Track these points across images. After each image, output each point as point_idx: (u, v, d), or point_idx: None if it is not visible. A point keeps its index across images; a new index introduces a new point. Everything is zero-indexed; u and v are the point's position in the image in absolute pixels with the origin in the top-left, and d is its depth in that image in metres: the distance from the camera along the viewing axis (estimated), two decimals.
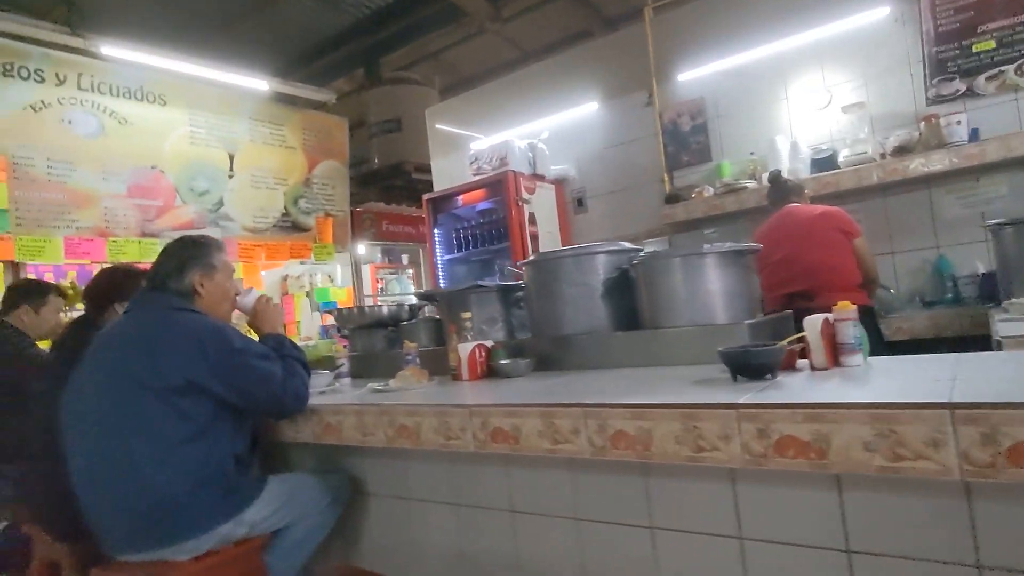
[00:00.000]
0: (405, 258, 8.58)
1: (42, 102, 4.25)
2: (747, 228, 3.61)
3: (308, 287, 7.61)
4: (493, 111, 5.07)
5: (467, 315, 2.16)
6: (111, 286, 2.21)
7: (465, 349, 2.07)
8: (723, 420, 1.09)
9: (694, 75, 3.95)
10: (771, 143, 3.54)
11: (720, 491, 1.32)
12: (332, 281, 7.86)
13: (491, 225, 4.67)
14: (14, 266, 4.04)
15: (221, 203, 5.28)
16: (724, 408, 1.10)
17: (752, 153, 3.71)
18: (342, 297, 7.41)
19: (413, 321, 2.78)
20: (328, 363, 2.52)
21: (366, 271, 7.73)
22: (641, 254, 1.97)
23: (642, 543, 1.44)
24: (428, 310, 3.23)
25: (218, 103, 5.26)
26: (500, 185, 4.39)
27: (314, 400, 1.98)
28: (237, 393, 1.75)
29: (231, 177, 5.37)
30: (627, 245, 2.12)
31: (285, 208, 5.82)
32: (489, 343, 2.16)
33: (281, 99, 5.88)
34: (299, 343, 5.07)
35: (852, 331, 1.36)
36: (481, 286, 2.29)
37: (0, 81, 4.06)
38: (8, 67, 4.11)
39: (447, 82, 8.30)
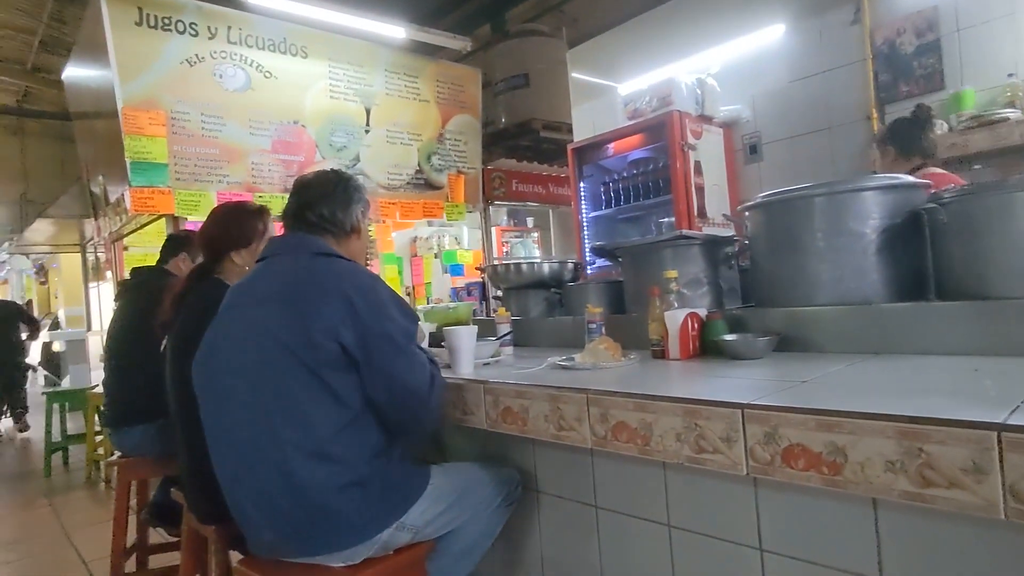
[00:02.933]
0: (530, 221, 8.21)
1: (196, 56, 4.21)
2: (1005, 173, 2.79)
3: (437, 249, 7.45)
4: (643, 49, 4.42)
5: (672, 274, 1.66)
6: (228, 229, 1.93)
7: (675, 319, 1.57)
8: None
9: None
10: None
11: None
12: (459, 243, 7.66)
13: (646, 176, 4.10)
14: (174, 220, 4.08)
15: (358, 159, 5.11)
16: None
17: (1011, 75, 2.84)
18: (469, 260, 7.17)
19: (582, 282, 2.33)
20: (489, 328, 2.12)
21: (492, 234, 7.42)
22: (958, 188, 1.35)
23: None
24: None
25: (356, 55, 5.09)
26: (662, 129, 3.79)
27: (483, 373, 1.60)
28: (378, 376, 1.35)
29: (367, 132, 5.19)
30: (911, 179, 1.51)
31: (419, 165, 5.57)
32: (701, 311, 1.66)
33: (415, 49, 5.60)
34: (431, 304, 4.73)
35: None
36: (686, 236, 1.77)
37: (160, 36, 4.05)
38: (166, 21, 4.09)
39: (571, 36, 7.69)
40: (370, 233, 2.71)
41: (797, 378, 1.18)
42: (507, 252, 7.58)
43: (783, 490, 1.16)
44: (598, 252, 2.18)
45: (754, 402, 0.97)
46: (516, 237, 8.17)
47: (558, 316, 2.36)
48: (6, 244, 10.31)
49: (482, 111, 6.47)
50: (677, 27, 4.26)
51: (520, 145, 7.49)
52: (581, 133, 4.91)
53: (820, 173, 3.54)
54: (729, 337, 1.53)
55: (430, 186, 5.68)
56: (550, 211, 7.47)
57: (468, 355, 1.66)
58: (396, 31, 4.96)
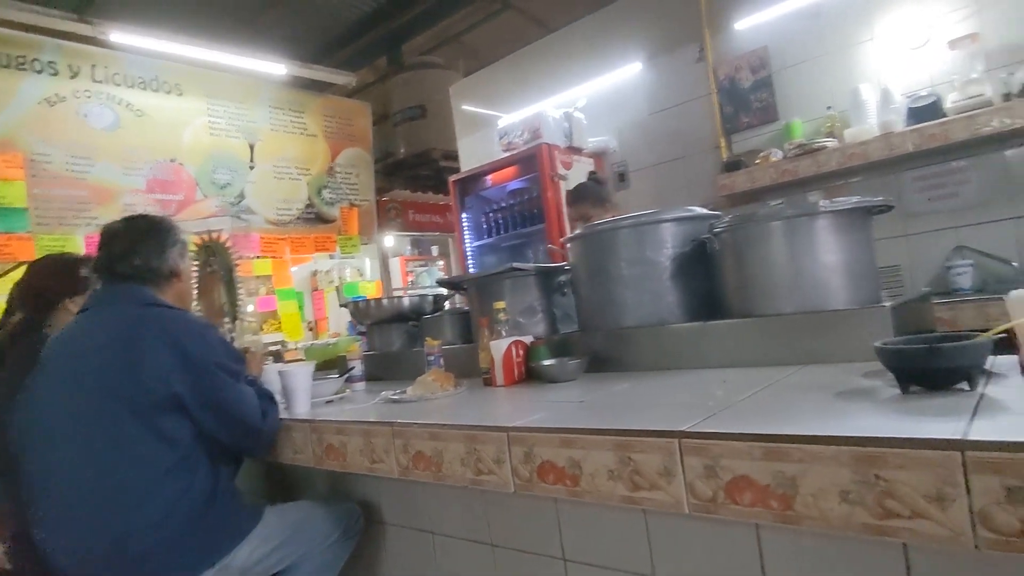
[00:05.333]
0: (435, 249, 8.26)
1: (57, 95, 4.05)
2: (826, 196, 3.11)
3: (337, 282, 7.34)
4: (523, 83, 4.63)
5: (500, 305, 1.75)
6: (61, 279, 1.89)
7: (499, 347, 1.66)
8: (943, 468, 0.65)
9: (755, 21, 3.42)
10: (854, 94, 3.01)
11: None
12: (362, 275, 7.58)
13: (523, 206, 4.25)
14: None
15: (242, 196, 5.01)
16: (940, 448, 0.66)
17: (829, 108, 3.18)
18: (371, 291, 7.10)
19: (437, 314, 2.39)
20: (340, 364, 2.14)
21: (395, 264, 7.41)
22: (727, 218, 1.52)
23: None
24: (458, 300, 2.87)
25: (236, 91, 5.01)
26: (533, 160, 3.96)
27: (318, 412, 1.62)
28: (211, 413, 1.43)
29: (252, 168, 5.11)
30: (701, 210, 1.68)
31: (309, 199, 5.52)
32: (528, 339, 1.75)
33: (301, 85, 5.59)
34: (324, 339, 4.65)
35: None
36: (517, 268, 1.87)
37: (15, 75, 3.88)
38: (21, 60, 3.92)
39: (470, 67, 7.89)
40: (237, 267, 2.65)
41: (582, 399, 1.29)
42: (412, 281, 7.58)
43: (577, 505, 1.25)
44: (444, 285, 2.26)
45: (516, 425, 1.05)
46: (421, 266, 8.18)
47: (418, 348, 2.42)
48: None
49: (381, 142, 6.48)
50: (548, 64, 4.48)
51: (420, 175, 7.56)
52: (468, 163, 5.04)
53: (678, 198, 3.80)
54: (545, 362, 1.62)
55: (322, 220, 5.64)
56: (450, 239, 7.56)
57: (303, 395, 1.67)
58: (277, 68, 4.93)
